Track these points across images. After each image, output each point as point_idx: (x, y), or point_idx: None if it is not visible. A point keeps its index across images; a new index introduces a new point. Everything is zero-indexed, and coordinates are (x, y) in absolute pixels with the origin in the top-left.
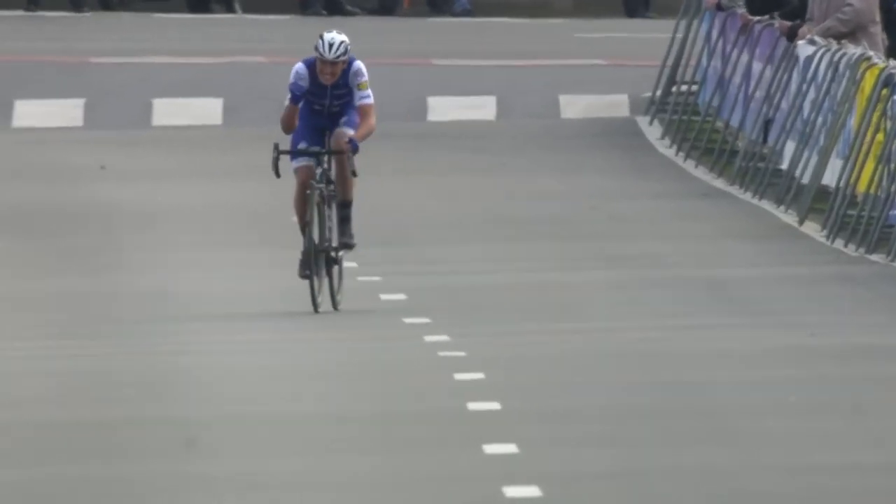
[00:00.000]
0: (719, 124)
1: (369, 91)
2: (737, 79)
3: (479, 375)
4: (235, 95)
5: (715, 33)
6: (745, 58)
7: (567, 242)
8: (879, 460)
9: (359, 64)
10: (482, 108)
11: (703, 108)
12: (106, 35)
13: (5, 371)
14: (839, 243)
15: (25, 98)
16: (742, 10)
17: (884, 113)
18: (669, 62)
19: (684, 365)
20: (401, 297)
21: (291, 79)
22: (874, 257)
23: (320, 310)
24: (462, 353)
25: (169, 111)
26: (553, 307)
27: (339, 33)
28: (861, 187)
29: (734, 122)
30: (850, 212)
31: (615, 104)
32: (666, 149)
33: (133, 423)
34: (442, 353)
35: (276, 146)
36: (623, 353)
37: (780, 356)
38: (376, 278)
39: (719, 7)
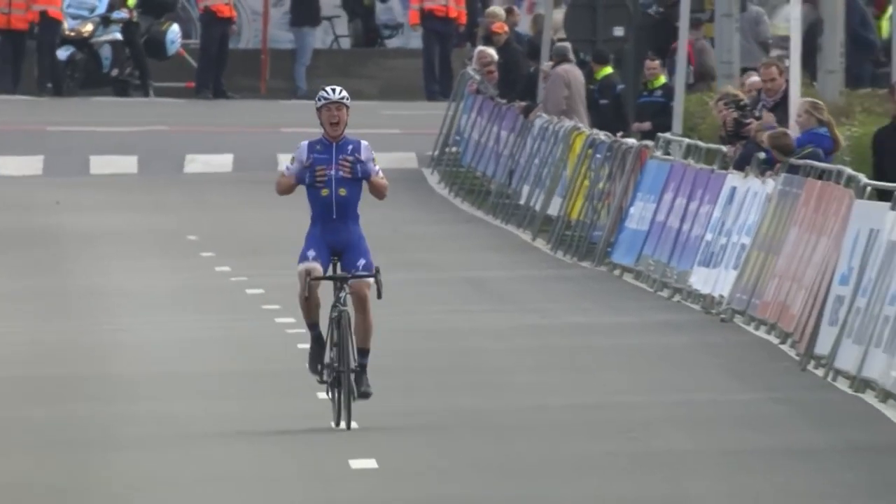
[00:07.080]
0: (478, 173)
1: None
2: (490, 142)
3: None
4: (148, 154)
5: (475, 111)
6: (495, 128)
7: (377, 254)
8: (588, 401)
9: (366, 142)
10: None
11: (467, 162)
12: (59, 113)
13: None
14: (559, 254)
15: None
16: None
17: (588, 166)
18: (444, 130)
19: (466, 337)
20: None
21: (292, 162)
22: (583, 264)
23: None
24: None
25: (101, 164)
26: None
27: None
28: (573, 215)
29: (488, 172)
30: (566, 232)
31: (407, 159)
32: (442, 190)
33: (77, 379)
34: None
35: (307, 272)
36: (415, 329)
37: (521, 331)
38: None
39: (478, 92)
